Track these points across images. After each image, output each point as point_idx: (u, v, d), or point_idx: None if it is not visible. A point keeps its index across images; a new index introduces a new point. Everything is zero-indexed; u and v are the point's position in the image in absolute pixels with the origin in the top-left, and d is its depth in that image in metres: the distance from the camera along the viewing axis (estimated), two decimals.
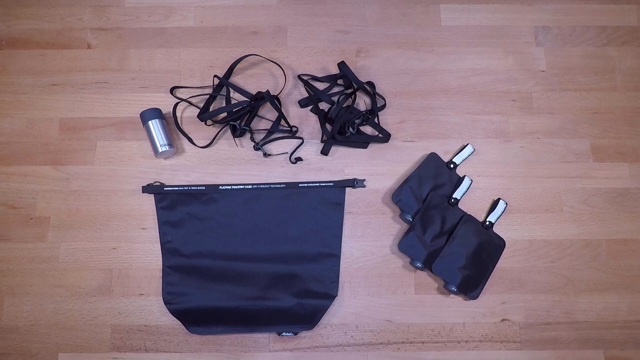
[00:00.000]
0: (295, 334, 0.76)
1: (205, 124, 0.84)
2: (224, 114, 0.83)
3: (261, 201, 0.80)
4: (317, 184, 0.80)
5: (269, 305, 0.76)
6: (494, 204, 0.81)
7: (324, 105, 0.86)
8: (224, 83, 0.85)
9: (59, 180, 0.82)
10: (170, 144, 0.81)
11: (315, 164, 0.83)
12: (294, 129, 0.84)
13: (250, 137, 0.83)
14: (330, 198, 0.80)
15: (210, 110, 0.86)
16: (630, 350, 0.77)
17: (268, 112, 0.86)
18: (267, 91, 0.82)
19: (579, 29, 0.91)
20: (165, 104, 0.85)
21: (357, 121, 0.83)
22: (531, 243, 0.80)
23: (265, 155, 0.83)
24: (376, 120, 0.85)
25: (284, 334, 0.75)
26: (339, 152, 0.84)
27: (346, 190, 0.81)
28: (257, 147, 0.82)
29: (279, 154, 0.84)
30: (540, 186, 0.83)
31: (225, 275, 0.77)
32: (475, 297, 0.77)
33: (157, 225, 0.79)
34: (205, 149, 0.83)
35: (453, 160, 0.83)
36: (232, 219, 0.80)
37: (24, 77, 0.87)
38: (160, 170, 0.83)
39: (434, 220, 0.79)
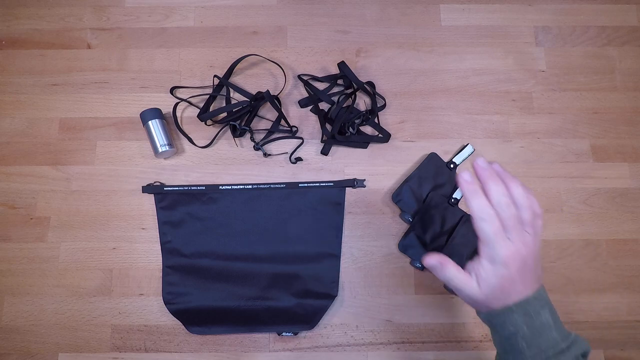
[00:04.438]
0: (295, 334, 0.76)
1: (205, 124, 0.84)
2: (224, 114, 0.84)
3: (261, 201, 0.80)
4: (317, 184, 0.80)
5: (269, 305, 0.76)
6: None
7: (324, 105, 0.86)
8: (224, 83, 0.85)
9: (59, 180, 0.82)
10: (170, 144, 0.81)
11: (315, 164, 0.83)
12: (294, 129, 0.84)
13: (250, 137, 0.83)
14: (330, 198, 0.80)
15: (210, 110, 0.86)
16: (630, 350, 0.77)
17: (268, 112, 0.86)
18: (267, 91, 0.82)
19: (579, 29, 0.91)
20: (165, 104, 0.85)
21: (357, 121, 0.84)
22: None
23: (265, 155, 0.83)
24: (376, 120, 0.85)
25: (284, 334, 0.75)
26: (339, 152, 0.84)
27: (346, 190, 0.81)
28: (257, 147, 0.82)
29: (279, 154, 0.84)
30: (540, 186, 0.83)
31: (225, 275, 0.77)
32: None
33: (157, 225, 0.79)
34: (205, 149, 0.83)
35: (453, 160, 0.83)
36: (232, 219, 0.80)
37: (24, 77, 0.87)
38: (160, 170, 0.83)
39: (434, 220, 0.79)
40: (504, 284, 0.53)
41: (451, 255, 0.77)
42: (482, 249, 0.54)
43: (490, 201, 0.53)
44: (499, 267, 0.53)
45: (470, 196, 0.54)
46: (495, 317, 0.54)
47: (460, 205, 0.81)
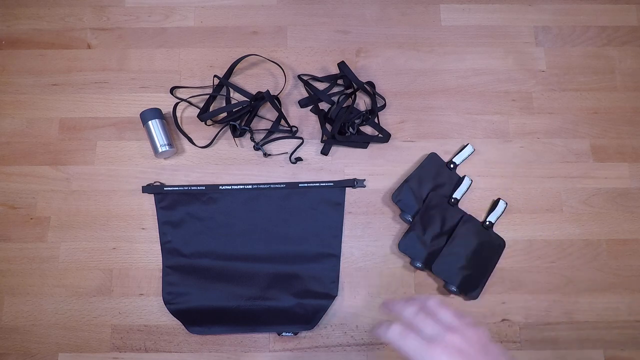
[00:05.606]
0: (295, 334, 0.76)
1: (205, 124, 0.84)
2: (224, 114, 0.83)
3: (261, 201, 0.80)
4: (317, 184, 0.80)
5: (269, 305, 0.76)
6: (494, 204, 0.81)
7: (324, 105, 0.86)
8: (224, 83, 0.85)
9: (59, 180, 0.82)
10: (170, 144, 0.81)
11: (315, 164, 0.83)
12: (294, 129, 0.84)
13: (250, 137, 0.83)
14: (330, 198, 0.80)
15: (210, 110, 0.86)
16: (630, 350, 0.77)
17: (268, 112, 0.86)
18: (267, 91, 0.82)
19: (579, 29, 0.91)
20: (165, 104, 0.85)
21: (357, 121, 0.83)
22: (531, 243, 0.80)
23: (265, 155, 0.83)
24: (376, 120, 0.85)
25: (284, 334, 0.75)
26: (339, 152, 0.84)
27: (346, 190, 0.81)
28: (257, 147, 0.82)
29: (279, 154, 0.84)
30: (540, 186, 0.83)
31: (225, 275, 0.77)
32: (475, 297, 0.77)
33: (157, 225, 0.79)
34: (205, 149, 0.83)
35: (453, 160, 0.83)
36: (232, 219, 0.80)
37: (24, 77, 0.87)
38: (160, 170, 0.83)
39: (434, 220, 0.79)
40: None
41: (451, 255, 0.78)
42: None
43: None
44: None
45: (385, 335, 0.50)
46: None
47: (460, 205, 0.81)
